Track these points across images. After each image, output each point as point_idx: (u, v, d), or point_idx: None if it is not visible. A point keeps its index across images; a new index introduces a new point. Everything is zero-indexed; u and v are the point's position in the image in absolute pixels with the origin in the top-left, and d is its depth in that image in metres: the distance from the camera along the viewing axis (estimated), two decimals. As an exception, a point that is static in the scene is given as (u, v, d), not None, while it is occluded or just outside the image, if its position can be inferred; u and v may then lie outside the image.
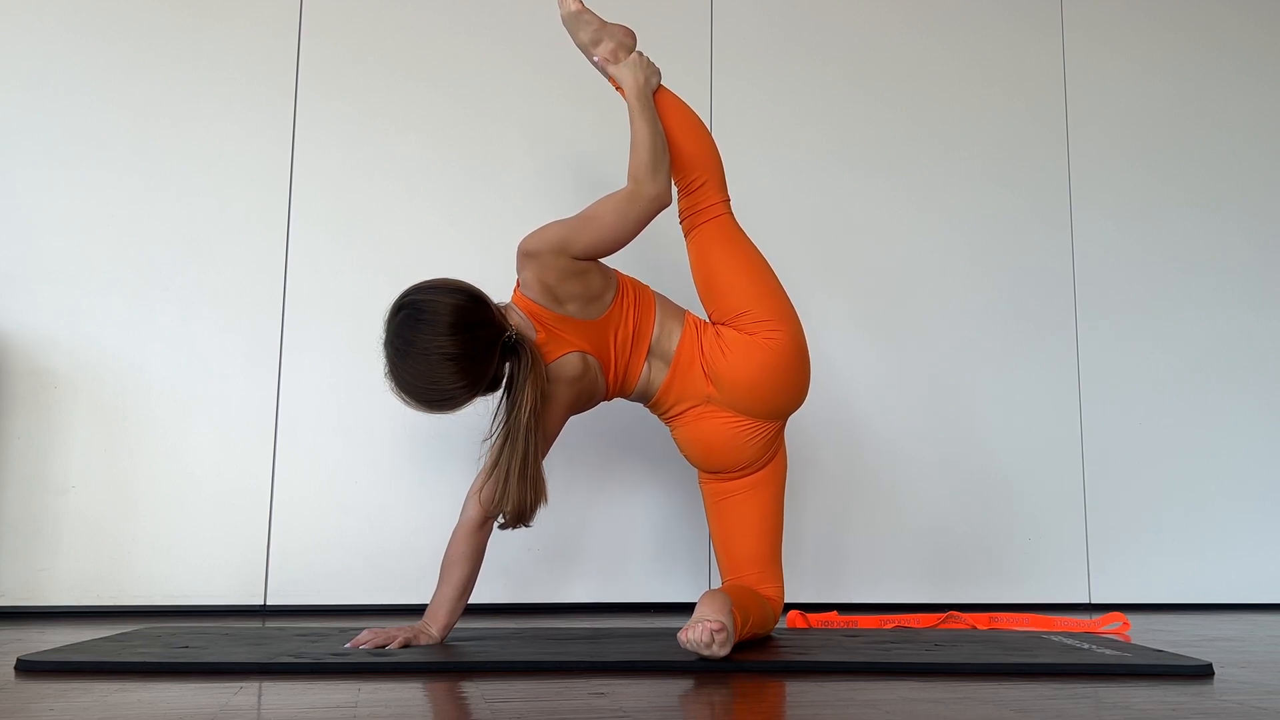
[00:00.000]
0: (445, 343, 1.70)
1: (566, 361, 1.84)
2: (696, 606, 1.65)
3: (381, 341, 1.76)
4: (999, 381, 2.92)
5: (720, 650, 1.59)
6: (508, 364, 1.79)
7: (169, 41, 2.61)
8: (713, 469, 1.98)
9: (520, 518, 1.76)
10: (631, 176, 1.89)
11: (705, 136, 2.05)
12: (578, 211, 1.89)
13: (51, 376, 2.47)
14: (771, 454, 1.98)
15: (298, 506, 2.53)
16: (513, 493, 1.73)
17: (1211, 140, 3.15)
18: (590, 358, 1.86)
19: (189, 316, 2.54)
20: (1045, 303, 2.98)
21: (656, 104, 1.99)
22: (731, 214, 2.00)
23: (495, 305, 1.81)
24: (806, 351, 1.94)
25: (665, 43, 2.84)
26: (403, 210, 2.66)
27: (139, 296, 2.52)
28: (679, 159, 1.99)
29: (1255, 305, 3.10)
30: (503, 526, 1.79)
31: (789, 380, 1.91)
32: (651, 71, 2.03)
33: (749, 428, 1.91)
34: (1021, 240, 2.99)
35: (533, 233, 1.85)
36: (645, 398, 1.98)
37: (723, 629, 1.59)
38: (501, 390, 1.81)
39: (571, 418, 1.93)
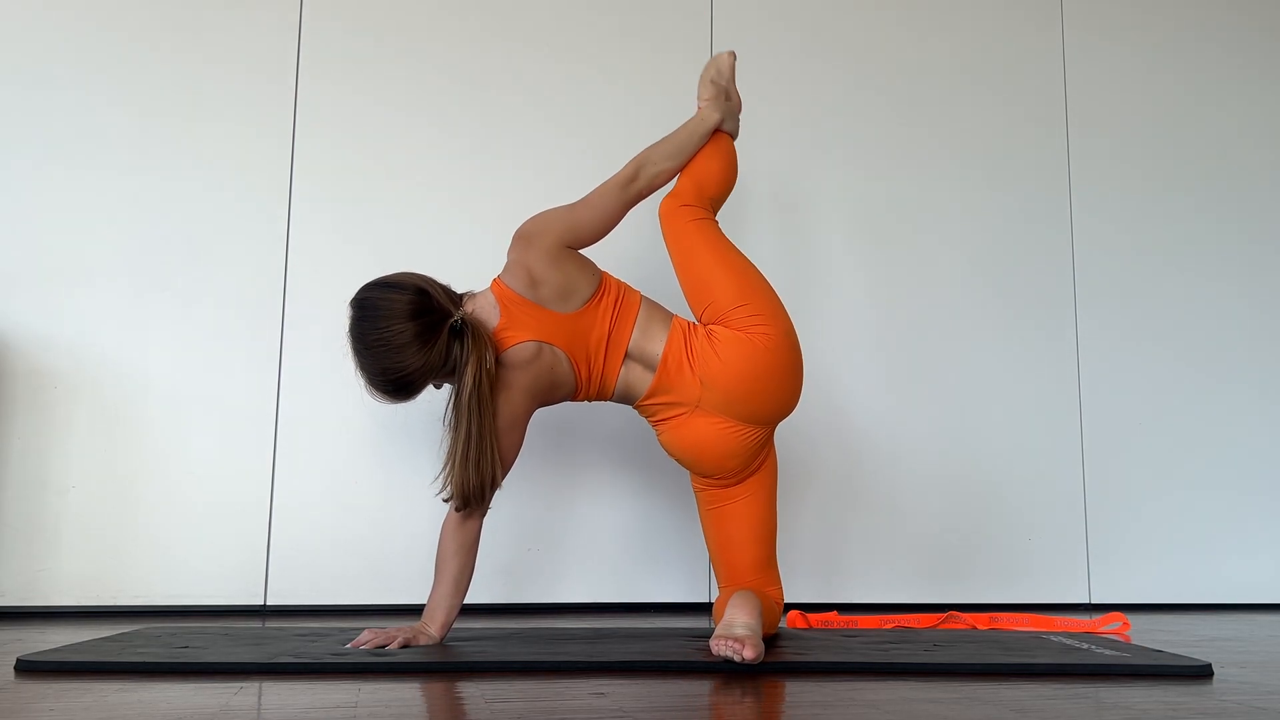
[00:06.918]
0: (389, 335, 1.76)
1: (520, 348, 1.83)
2: (728, 612, 1.67)
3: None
4: (999, 381, 2.92)
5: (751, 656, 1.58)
6: (459, 348, 1.80)
7: (169, 40, 2.61)
8: (702, 472, 1.97)
9: (465, 501, 1.76)
10: (641, 158, 1.99)
11: (732, 180, 2.09)
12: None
13: (51, 376, 2.47)
14: (761, 460, 1.97)
15: (298, 507, 2.53)
16: (455, 474, 1.75)
17: (1212, 136, 3.15)
18: (548, 346, 1.85)
19: (189, 316, 2.54)
20: (1045, 302, 2.98)
21: (712, 139, 2.07)
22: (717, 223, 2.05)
23: (443, 292, 1.83)
24: (799, 351, 1.93)
25: (665, 38, 2.86)
26: (404, 209, 2.66)
27: (139, 296, 2.53)
28: (705, 175, 2.03)
29: (1257, 304, 3.10)
30: (458, 509, 1.79)
31: (784, 380, 1.89)
32: (732, 119, 2.11)
33: (738, 433, 1.89)
34: (1021, 240, 2.99)
35: (531, 217, 1.93)
36: (629, 400, 1.96)
37: (756, 654, 1.57)
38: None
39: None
